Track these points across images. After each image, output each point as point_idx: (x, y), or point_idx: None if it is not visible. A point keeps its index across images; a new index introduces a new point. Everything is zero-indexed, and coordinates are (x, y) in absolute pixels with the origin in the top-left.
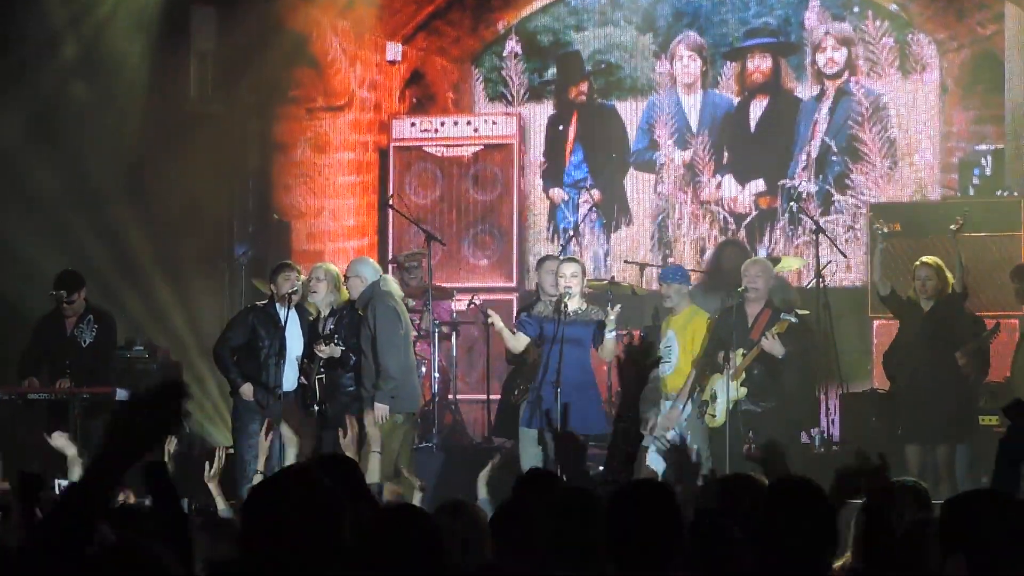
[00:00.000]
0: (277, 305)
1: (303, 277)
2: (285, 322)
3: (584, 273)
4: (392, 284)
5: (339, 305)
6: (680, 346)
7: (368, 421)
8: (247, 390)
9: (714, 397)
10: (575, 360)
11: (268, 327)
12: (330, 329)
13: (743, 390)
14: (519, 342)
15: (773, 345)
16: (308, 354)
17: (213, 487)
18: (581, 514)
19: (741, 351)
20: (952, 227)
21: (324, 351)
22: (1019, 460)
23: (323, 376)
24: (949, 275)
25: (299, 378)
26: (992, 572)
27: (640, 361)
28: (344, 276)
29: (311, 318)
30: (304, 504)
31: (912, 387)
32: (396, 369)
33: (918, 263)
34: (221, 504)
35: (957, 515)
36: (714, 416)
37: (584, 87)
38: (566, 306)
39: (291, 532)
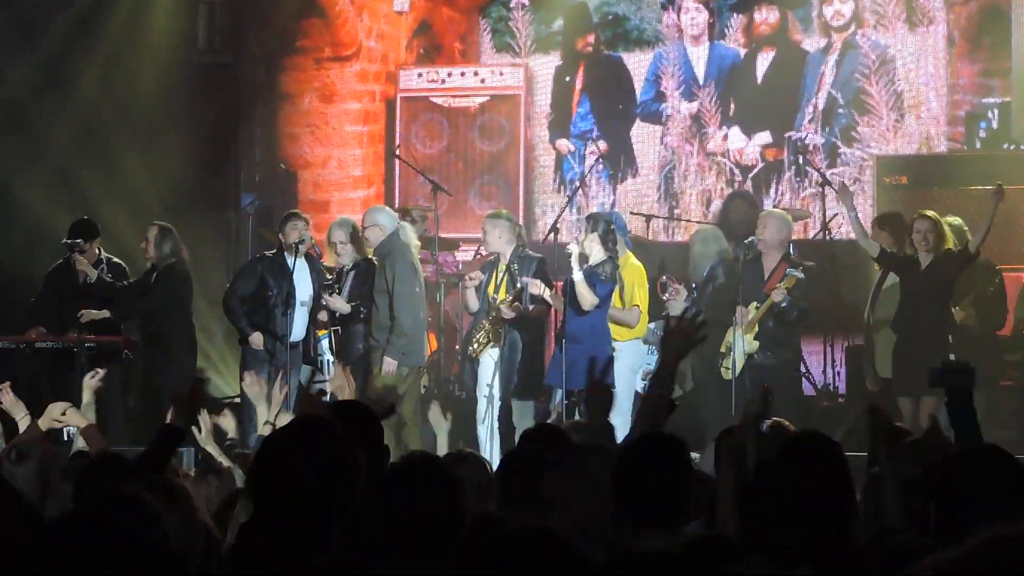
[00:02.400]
0: (285, 254)
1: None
2: (293, 271)
3: (597, 229)
4: (411, 234)
5: (358, 258)
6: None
7: (376, 373)
8: (257, 339)
9: (729, 350)
10: (575, 314)
11: (277, 276)
12: (330, 280)
13: (755, 343)
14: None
15: (778, 293)
16: (321, 306)
17: (212, 449)
18: (593, 468)
19: (755, 304)
20: (994, 195)
21: (331, 302)
22: (969, 424)
23: (338, 328)
24: (947, 230)
25: (308, 327)
26: (961, 522)
27: (689, 334)
28: (361, 226)
29: (333, 273)
30: (319, 453)
31: (906, 339)
32: (411, 326)
33: (916, 216)
34: (225, 461)
35: (939, 469)
36: (728, 369)
37: (591, 38)
38: (568, 260)
39: (304, 481)
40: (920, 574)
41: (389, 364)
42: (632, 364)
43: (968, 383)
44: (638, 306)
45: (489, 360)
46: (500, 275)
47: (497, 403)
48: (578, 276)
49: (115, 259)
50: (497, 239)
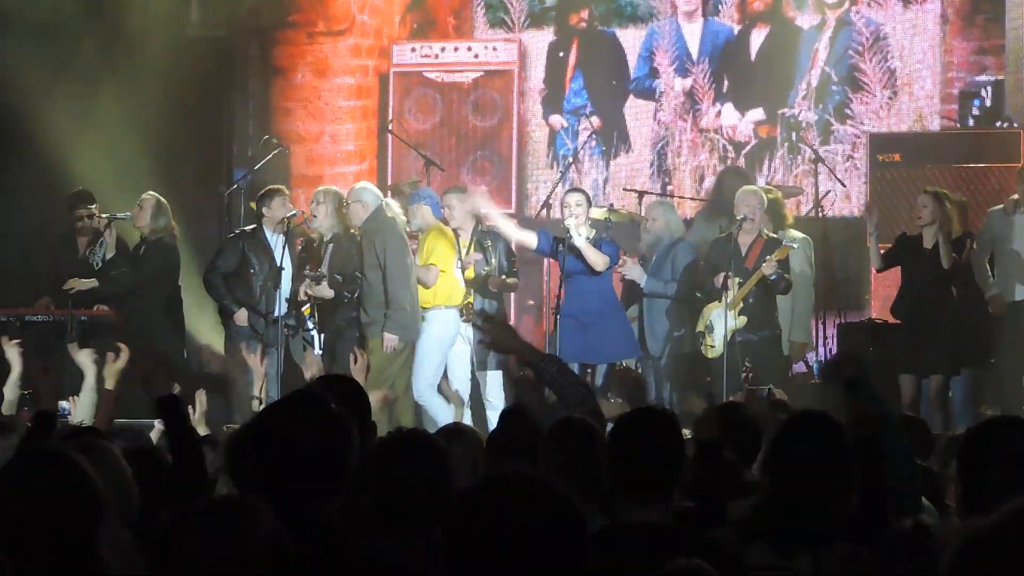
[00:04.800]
0: (266, 230)
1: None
2: (284, 247)
3: (589, 203)
4: (396, 209)
5: (338, 230)
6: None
7: (371, 348)
8: (242, 316)
9: (710, 328)
10: (592, 289)
11: (259, 252)
12: (322, 271)
13: (742, 319)
14: (527, 236)
15: (767, 266)
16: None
17: (202, 429)
18: (582, 443)
19: (737, 280)
20: (866, 212)
21: (316, 291)
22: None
23: (320, 302)
24: (951, 207)
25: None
26: (983, 495)
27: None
28: (349, 203)
29: (315, 245)
30: (312, 428)
31: (911, 318)
32: (408, 300)
33: (919, 193)
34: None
35: (966, 445)
36: (712, 346)
37: (585, 14)
38: (567, 234)
39: (297, 456)
40: (951, 542)
41: (390, 340)
42: (440, 334)
43: (862, 373)
44: (435, 265)
45: (459, 338)
46: (466, 249)
47: (469, 378)
48: (581, 241)
49: (122, 238)
50: (464, 214)
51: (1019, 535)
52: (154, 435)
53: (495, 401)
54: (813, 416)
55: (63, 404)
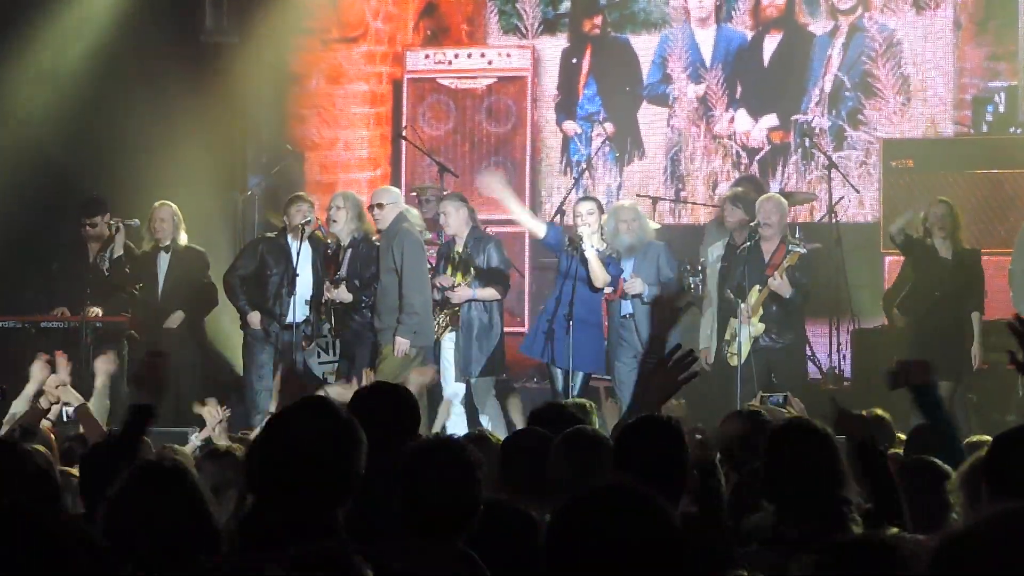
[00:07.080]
0: (288, 236)
1: (315, 209)
2: (298, 254)
3: (601, 211)
4: (415, 216)
5: (357, 235)
6: None
7: (384, 355)
8: (254, 319)
9: (734, 336)
10: (583, 297)
11: (277, 257)
12: (342, 275)
13: (760, 326)
14: (537, 226)
15: (781, 286)
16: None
17: (223, 442)
18: (590, 451)
19: (757, 287)
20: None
21: (334, 294)
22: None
23: (339, 305)
24: (961, 217)
25: (308, 306)
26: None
27: (672, 302)
28: (378, 204)
29: (330, 251)
30: (319, 434)
31: (921, 325)
32: (421, 304)
33: (933, 202)
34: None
35: (995, 450)
36: (735, 355)
37: (598, 20)
38: (581, 242)
39: (304, 462)
40: (925, 548)
41: (401, 344)
42: None
43: (929, 381)
44: None
45: (449, 343)
46: (457, 258)
47: (459, 383)
48: (591, 253)
49: (129, 243)
50: (458, 220)
51: (996, 538)
52: (188, 448)
53: (482, 407)
54: (799, 425)
55: (68, 409)
